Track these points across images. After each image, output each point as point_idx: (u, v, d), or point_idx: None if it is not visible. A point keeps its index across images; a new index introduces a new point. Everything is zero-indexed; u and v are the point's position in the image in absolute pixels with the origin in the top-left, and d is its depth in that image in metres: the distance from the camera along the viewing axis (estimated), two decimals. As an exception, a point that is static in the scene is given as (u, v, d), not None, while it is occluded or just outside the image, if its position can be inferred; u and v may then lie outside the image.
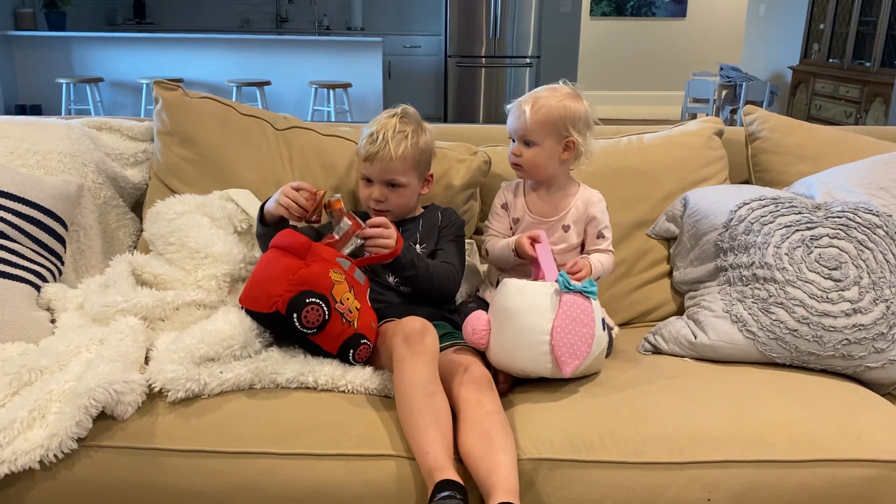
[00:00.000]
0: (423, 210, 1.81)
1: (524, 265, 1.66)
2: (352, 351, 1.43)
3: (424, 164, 1.73)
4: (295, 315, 1.37)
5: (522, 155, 1.68)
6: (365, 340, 1.45)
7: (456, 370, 1.40)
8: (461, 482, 1.18)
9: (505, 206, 1.78)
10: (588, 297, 1.42)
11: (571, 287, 1.41)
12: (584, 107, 1.66)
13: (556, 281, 1.43)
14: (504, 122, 1.79)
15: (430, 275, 1.61)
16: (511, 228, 1.78)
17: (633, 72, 9.69)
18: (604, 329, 1.45)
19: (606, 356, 1.59)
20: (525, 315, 1.41)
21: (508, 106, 1.72)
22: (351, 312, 1.43)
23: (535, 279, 1.54)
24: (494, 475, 1.20)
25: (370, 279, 1.59)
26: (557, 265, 1.56)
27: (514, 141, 1.71)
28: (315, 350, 1.44)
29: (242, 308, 1.45)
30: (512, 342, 1.42)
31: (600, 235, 1.72)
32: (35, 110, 6.40)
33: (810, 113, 6.59)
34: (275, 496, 1.26)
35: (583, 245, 1.75)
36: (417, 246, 1.71)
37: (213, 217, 1.74)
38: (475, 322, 1.46)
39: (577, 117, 1.65)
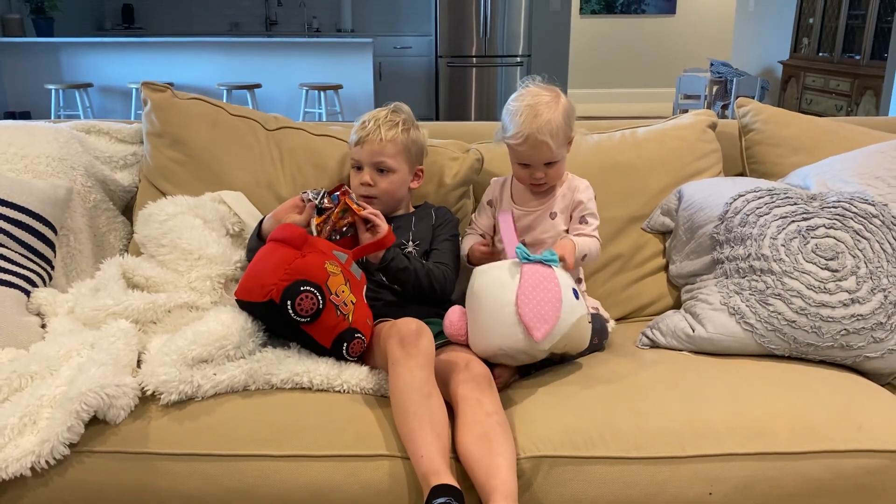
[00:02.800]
0: (415, 208, 1.80)
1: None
2: (346, 345, 1.42)
3: (415, 155, 1.74)
4: (289, 303, 1.36)
5: (547, 175, 1.66)
6: (359, 335, 1.43)
7: (455, 367, 1.39)
8: (457, 486, 1.16)
9: (491, 203, 1.79)
10: (549, 265, 1.44)
11: (530, 258, 1.44)
12: (566, 98, 1.66)
13: (515, 254, 1.45)
14: (497, 121, 1.77)
15: (427, 274, 1.61)
16: (494, 225, 1.77)
17: (624, 69, 9.70)
18: (577, 298, 1.44)
19: (601, 350, 1.58)
20: (490, 293, 1.43)
21: (510, 139, 1.62)
22: (346, 305, 1.42)
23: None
24: (493, 479, 1.18)
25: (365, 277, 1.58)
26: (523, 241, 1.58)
27: (526, 165, 1.66)
28: (309, 344, 1.43)
29: (237, 301, 1.44)
30: (484, 323, 1.42)
31: (583, 220, 1.71)
32: (24, 117, 6.35)
33: (801, 107, 6.60)
34: (271, 499, 1.25)
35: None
36: (410, 244, 1.69)
37: (206, 219, 1.72)
38: (450, 315, 1.49)
39: (571, 114, 1.65)
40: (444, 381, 1.37)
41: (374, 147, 1.68)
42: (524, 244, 1.70)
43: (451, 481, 1.16)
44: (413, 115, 1.78)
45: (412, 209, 1.80)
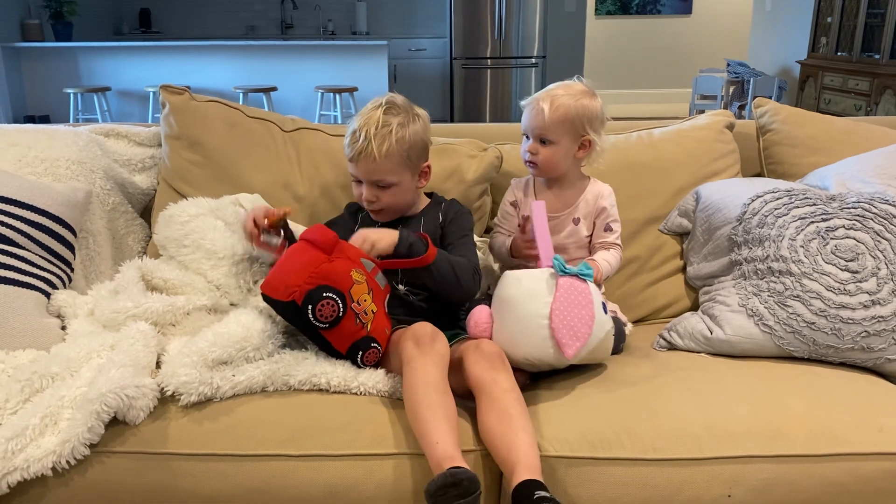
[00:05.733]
0: (425, 205, 1.72)
1: (523, 264, 1.64)
2: (361, 353, 1.42)
3: (416, 158, 1.61)
4: (310, 307, 1.37)
5: (538, 153, 1.66)
6: (375, 344, 1.44)
7: (466, 349, 1.40)
8: (472, 472, 1.15)
9: (515, 204, 1.77)
10: (584, 280, 1.42)
11: (567, 270, 1.41)
12: (599, 105, 1.65)
13: (552, 265, 1.43)
14: (511, 122, 1.78)
15: (452, 267, 1.54)
16: (519, 226, 1.76)
17: (640, 70, 9.66)
18: (605, 312, 1.44)
19: (619, 352, 1.58)
20: (523, 302, 1.41)
21: (523, 102, 1.69)
22: (366, 314, 1.42)
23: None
24: (514, 453, 1.19)
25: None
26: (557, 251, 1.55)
27: (527, 138, 1.68)
28: (326, 347, 1.43)
29: (262, 295, 1.44)
30: (513, 331, 1.42)
31: (608, 228, 1.71)
32: (43, 121, 6.43)
33: (819, 107, 6.54)
34: (289, 499, 1.25)
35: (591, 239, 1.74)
36: None
37: (227, 221, 1.73)
38: (477, 315, 1.47)
39: (593, 116, 1.64)
40: (457, 367, 1.38)
41: (368, 165, 1.56)
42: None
43: (466, 465, 1.16)
44: (409, 102, 1.64)
45: (423, 204, 1.72)
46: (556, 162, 1.67)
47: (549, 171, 1.69)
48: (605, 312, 1.44)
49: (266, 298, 1.43)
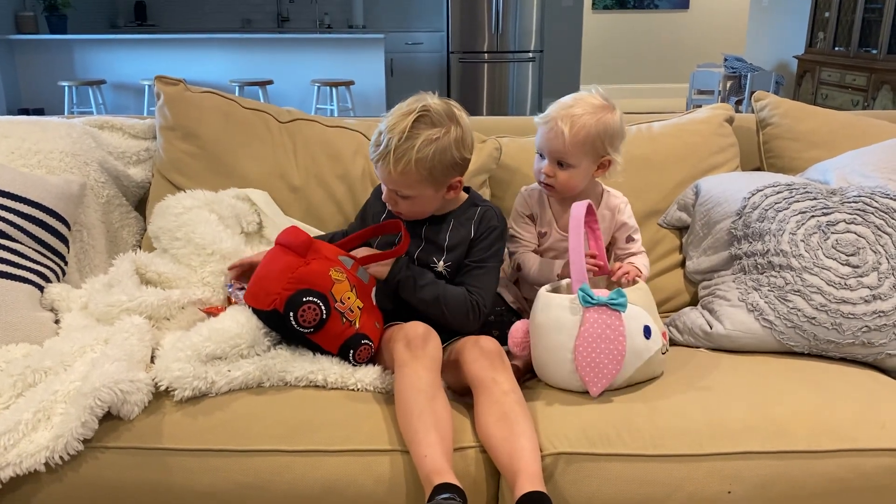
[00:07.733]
0: (459, 204, 1.59)
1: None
2: (352, 351, 1.41)
3: (441, 175, 1.45)
4: (291, 314, 1.35)
5: (556, 176, 1.58)
6: (366, 341, 1.42)
7: (464, 346, 1.39)
8: (460, 486, 1.15)
9: (532, 218, 1.70)
10: (616, 310, 1.32)
11: (594, 301, 1.32)
12: (618, 118, 1.58)
13: (577, 294, 1.34)
14: (508, 116, 1.75)
15: (441, 308, 1.48)
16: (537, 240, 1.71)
17: (637, 65, 9.65)
18: (647, 337, 1.35)
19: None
20: (550, 332, 1.36)
21: (538, 119, 1.59)
22: (352, 312, 1.40)
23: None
24: (517, 461, 1.19)
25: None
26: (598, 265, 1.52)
27: (541, 157, 1.60)
28: (318, 349, 1.42)
29: (248, 306, 1.43)
30: (543, 358, 1.39)
31: (630, 239, 1.69)
32: (38, 114, 6.33)
33: (816, 102, 6.53)
34: (285, 494, 1.24)
35: (610, 250, 1.71)
36: (441, 263, 1.54)
37: (222, 215, 1.72)
38: (513, 332, 1.45)
39: (614, 133, 1.56)
40: (455, 365, 1.37)
41: (385, 175, 1.46)
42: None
43: (454, 480, 1.16)
44: (451, 109, 1.47)
45: (457, 205, 1.59)
46: (575, 185, 1.60)
47: (566, 192, 1.62)
48: (649, 337, 1.35)
49: (252, 309, 1.42)
